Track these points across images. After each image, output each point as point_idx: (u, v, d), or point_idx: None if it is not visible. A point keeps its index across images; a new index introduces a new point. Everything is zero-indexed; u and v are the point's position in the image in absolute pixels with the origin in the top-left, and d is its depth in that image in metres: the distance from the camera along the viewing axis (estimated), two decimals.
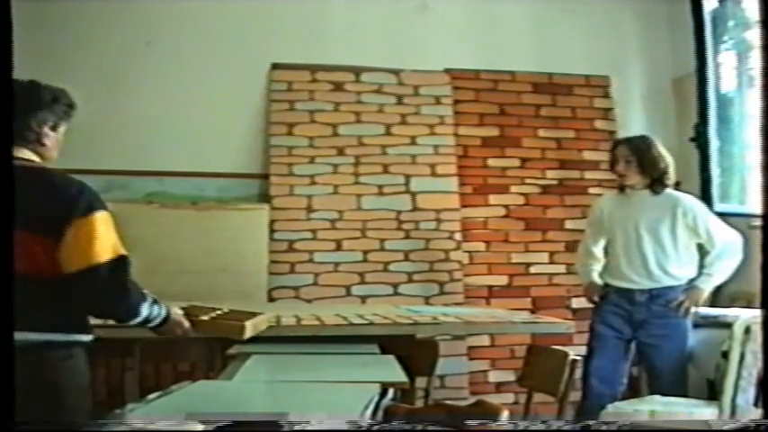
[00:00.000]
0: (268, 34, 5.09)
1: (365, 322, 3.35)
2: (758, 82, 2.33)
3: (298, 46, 5.12)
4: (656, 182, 3.85)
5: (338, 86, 5.16)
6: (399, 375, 2.53)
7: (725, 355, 3.52)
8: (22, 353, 1.87)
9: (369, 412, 1.95)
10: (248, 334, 2.52)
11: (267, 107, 5.10)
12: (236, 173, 5.05)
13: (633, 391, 4.72)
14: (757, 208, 2.35)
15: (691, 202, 3.87)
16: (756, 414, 3.11)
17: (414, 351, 3.20)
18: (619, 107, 5.40)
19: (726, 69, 4.66)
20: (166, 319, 2.35)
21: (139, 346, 3.38)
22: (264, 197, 4.99)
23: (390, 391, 2.32)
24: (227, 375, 2.61)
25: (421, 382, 3.37)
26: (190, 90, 4.97)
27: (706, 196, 4.46)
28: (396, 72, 5.21)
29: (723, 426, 1.91)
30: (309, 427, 1.70)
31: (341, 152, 5.07)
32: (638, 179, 3.85)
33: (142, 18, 4.97)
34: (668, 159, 3.89)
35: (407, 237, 5.03)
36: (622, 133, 5.34)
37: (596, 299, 4.00)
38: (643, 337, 3.82)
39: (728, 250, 3.80)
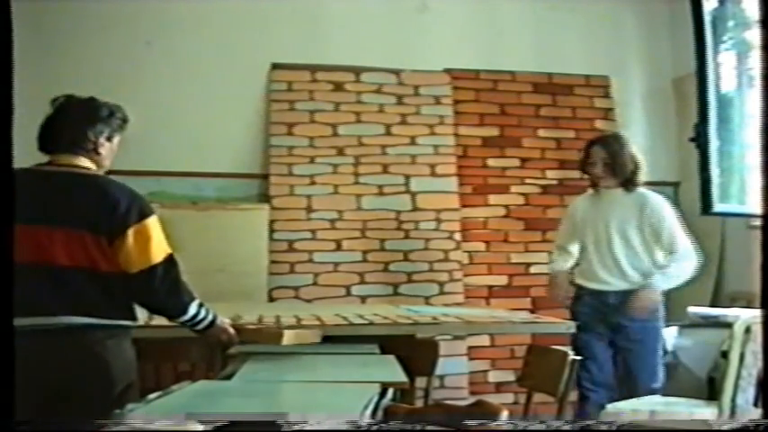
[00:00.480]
0: (268, 34, 5.10)
1: (365, 322, 3.35)
2: (758, 82, 2.33)
3: (298, 46, 5.12)
4: (628, 181, 3.79)
5: (338, 86, 5.16)
6: (399, 375, 2.53)
7: (725, 355, 3.51)
8: (73, 334, 2.28)
9: (369, 412, 1.95)
10: (286, 341, 2.69)
11: (267, 107, 5.10)
12: (235, 173, 5.06)
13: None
14: (757, 208, 2.35)
15: (658, 202, 3.80)
16: (756, 414, 3.11)
17: (414, 351, 3.20)
18: (619, 107, 5.40)
19: (726, 69, 4.65)
20: (212, 323, 2.57)
21: (140, 347, 3.37)
22: (264, 197, 4.99)
23: (390, 391, 2.31)
24: (226, 375, 2.61)
25: (421, 382, 3.37)
26: (190, 90, 4.97)
27: (706, 196, 4.45)
28: (396, 72, 5.21)
29: (723, 426, 1.91)
30: (308, 428, 1.70)
31: (341, 152, 5.07)
32: (612, 180, 3.82)
33: (142, 18, 4.97)
34: (639, 158, 3.83)
35: (407, 237, 5.03)
36: (622, 133, 5.36)
37: (561, 298, 3.97)
38: (620, 340, 3.77)
39: (688, 256, 3.72)
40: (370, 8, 5.21)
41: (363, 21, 5.18)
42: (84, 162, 2.48)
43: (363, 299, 4.88)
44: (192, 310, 2.50)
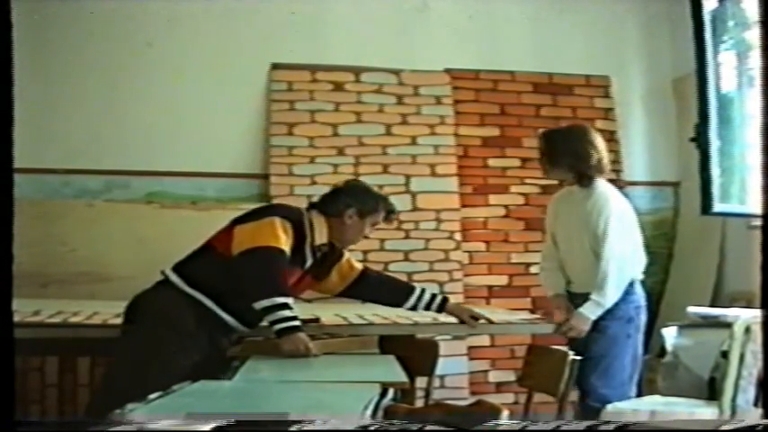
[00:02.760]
0: (268, 34, 5.09)
1: (365, 322, 3.35)
2: (758, 82, 2.33)
3: (298, 46, 5.11)
4: (583, 176, 3.39)
5: (338, 86, 5.16)
6: (399, 375, 2.54)
7: (725, 355, 3.52)
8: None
9: (369, 412, 1.95)
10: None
11: (267, 107, 5.10)
12: (236, 173, 5.06)
13: None
14: (757, 208, 2.35)
15: (605, 198, 3.39)
16: (756, 414, 3.11)
17: (414, 351, 3.20)
18: (619, 107, 5.40)
19: (726, 69, 4.65)
20: (294, 329, 2.79)
21: None
22: (264, 197, 4.99)
23: (390, 391, 2.32)
24: (227, 375, 2.61)
25: (421, 382, 3.37)
26: (190, 90, 4.97)
27: (706, 196, 4.46)
28: (396, 72, 5.21)
29: (723, 426, 1.91)
30: (314, 427, 1.70)
31: (341, 152, 5.07)
32: (561, 173, 3.46)
33: (142, 19, 4.97)
34: (601, 150, 3.41)
35: (407, 237, 5.03)
36: (622, 133, 5.37)
37: (560, 317, 3.48)
38: (583, 348, 3.34)
39: (614, 267, 3.33)
40: (370, 8, 5.21)
41: (363, 21, 5.18)
42: None
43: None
44: (266, 303, 2.81)
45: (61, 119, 4.83)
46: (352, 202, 3.05)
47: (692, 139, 4.53)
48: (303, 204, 4.93)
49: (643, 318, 3.56)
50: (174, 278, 2.96)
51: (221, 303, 2.91)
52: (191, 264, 3.01)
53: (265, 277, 2.81)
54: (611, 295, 3.34)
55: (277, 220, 2.90)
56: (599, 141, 3.45)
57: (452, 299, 4.86)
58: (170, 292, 2.92)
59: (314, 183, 5.00)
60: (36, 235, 4.37)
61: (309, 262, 3.02)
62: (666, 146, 5.44)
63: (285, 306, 2.78)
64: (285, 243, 2.85)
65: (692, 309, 4.36)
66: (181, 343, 2.77)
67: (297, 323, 2.80)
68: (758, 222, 2.19)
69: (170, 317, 2.83)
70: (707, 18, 4.45)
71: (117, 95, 4.93)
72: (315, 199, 3.32)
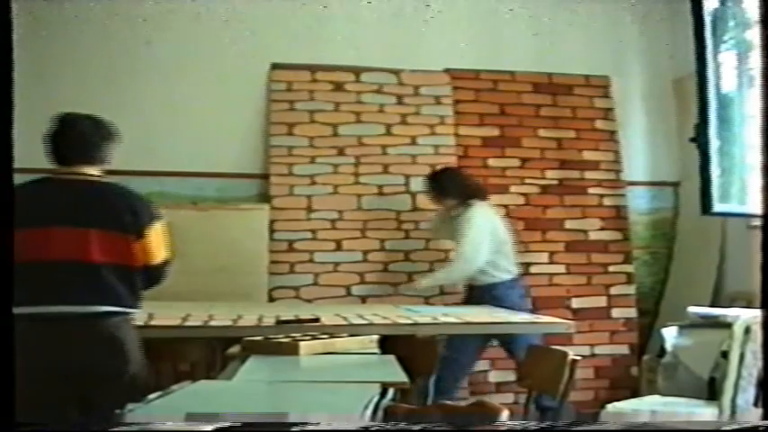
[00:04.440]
0: (268, 34, 5.09)
1: (365, 322, 3.35)
2: (758, 82, 2.33)
3: (298, 46, 5.11)
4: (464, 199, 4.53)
5: (338, 86, 5.16)
6: (399, 375, 2.53)
7: (725, 355, 3.52)
8: (101, 320, 2.68)
9: (369, 412, 1.95)
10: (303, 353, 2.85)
11: (267, 107, 5.10)
12: (236, 173, 5.06)
13: (633, 392, 4.73)
14: (757, 208, 2.35)
15: (472, 212, 4.45)
16: (756, 414, 3.11)
17: (414, 351, 3.20)
18: (619, 107, 5.40)
19: (726, 69, 4.65)
20: None
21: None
22: (264, 197, 4.99)
23: (390, 391, 2.32)
24: (227, 375, 2.61)
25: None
26: (189, 90, 4.97)
27: (706, 196, 4.46)
28: (396, 72, 5.21)
29: (723, 426, 1.91)
30: (315, 428, 1.70)
31: (341, 152, 5.07)
32: (448, 203, 4.57)
33: (142, 18, 4.96)
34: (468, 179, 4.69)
35: (407, 237, 5.03)
36: (622, 133, 5.37)
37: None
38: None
39: (459, 260, 4.41)
40: (369, 8, 5.21)
41: (363, 21, 5.18)
42: (95, 171, 2.86)
43: (364, 299, 4.88)
44: None
45: None
46: None
47: (692, 139, 4.52)
48: (303, 204, 5.01)
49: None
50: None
51: None
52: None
53: None
54: (444, 278, 4.56)
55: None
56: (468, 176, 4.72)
57: (452, 299, 4.90)
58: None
59: (314, 183, 5.01)
60: None
61: None
62: (666, 146, 5.44)
63: None
64: None
65: (692, 309, 4.37)
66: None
67: None
68: (758, 222, 2.19)
69: None
70: (707, 18, 4.45)
71: (116, 95, 4.92)
72: None
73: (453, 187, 4.56)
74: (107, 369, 2.67)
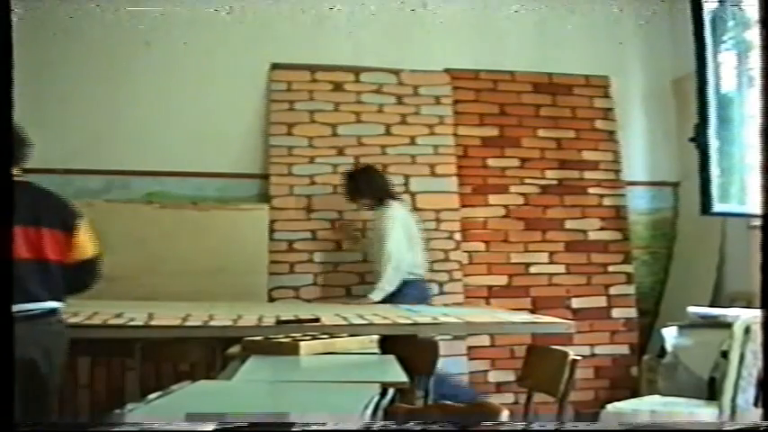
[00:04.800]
0: (268, 34, 5.09)
1: (365, 322, 3.35)
2: (758, 82, 2.33)
3: (298, 46, 5.12)
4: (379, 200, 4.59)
5: (338, 86, 5.16)
6: (399, 375, 2.53)
7: (725, 355, 3.52)
8: (51, 315, 2.82)
9: (369, 412, 1.95)
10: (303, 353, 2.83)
11: (267, 107, 5.10)
12: (236, 173, 5.06)
13: (633, 392, 4.73)
14: (757, 208, 2.35)
15: (391, 211, 4.54)
16: (756, 414, 3.11)
17: (414, 351, 3.19)
18: (619, 107, 5.40)
19: (726, 69, 4.65)
20: None
21: (139, 347, 3.38)
22: (264, 197, 4.99)
23: (390, 391, 2.31)
24: (227, 375, 2.61)
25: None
26: (190, 90, 4.97)
27: (706, 196, 4.45)
28: (396, 72, 5.21)
29: (723, 426, 1.91)
30: (315, 428, 1.70)
31: (341, 152, 5.07)
32: (364, 202, 4.66)
33: (142, 18, 4.96)
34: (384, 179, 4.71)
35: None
36: (622, 133, 5.37)
37: None
38: None
39: (389, 262, 4.44)
40: (369, 8, 5.21)
41: (363, 21, 5.18)
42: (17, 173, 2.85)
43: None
44: None
45: (61, 119, 4.83)
46: None
47: (692, 139, 4.52)
48: (303, 204, 5.01)
49: None
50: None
51: None
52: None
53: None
54: (388, 284, 4.44)
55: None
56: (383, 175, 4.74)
57: (452, 299, 4.91)
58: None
59: (314, 183, 5.01)
60: None
61: None
62: (666, 146, 5.45)
63: None
64: None
65: (692, 309, 4.37)
66: None
67: None
68: (758, 222, 2.19)
69: None
70: (707, 18, 4.44)
71: (116, 95, 4.94)
72: None
73: (370, 187, 4.62)
74: (44, 365, 2.79)
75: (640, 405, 3.67)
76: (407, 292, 4.47)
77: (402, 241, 4.49)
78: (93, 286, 3.01)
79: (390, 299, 4.39)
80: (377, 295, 4.43)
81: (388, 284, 4.45)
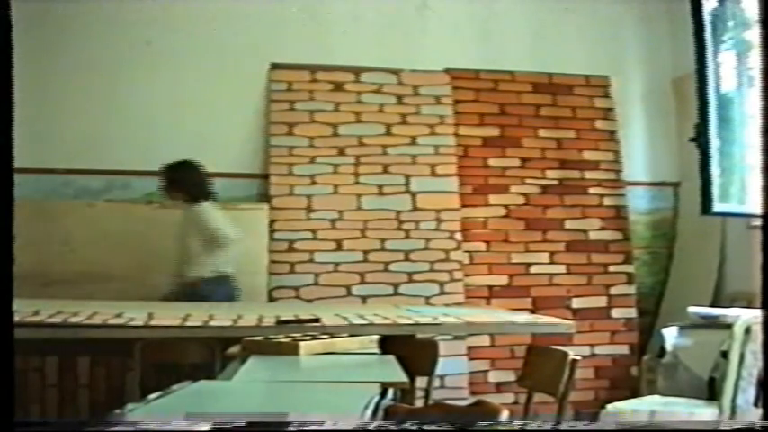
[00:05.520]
0: (268, 34, 5.10)
1: (365, 322, 3.35)
2: (758, 82, 2.33)
3: (298, 46, 5.12)
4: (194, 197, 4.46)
5: (338, 86, 5.16)
6: (399, 375, 2.53)
7: (725, 355, 3.52)
8: None
9: (369, 412, 1.95)
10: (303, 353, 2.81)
11: (267, 107, 5.10)
12: (236, 173, 5.06)
13: (633, 392, 4.73)
14: (757, 208, 2.35)
15: (204, 208, 4.45)
16: (756, 414, 3.11)
17: (414, 351, 3.20)
18: (619, 107, 5.40)
19: (726, 69, 4.65)
20: None
21: (139, 346, 3.38)
22: (264, 197, 4.99)
23: (390, 391, 2.31)
24: (227, 375, 2.61)
25: (421, 382, 3.37)
26: (190, 90, 4.97)
27: (706, 196, 4.45)
28: (396, 72, 5.21)
29: (723, 426, 1.91)
30: (315, 428, 1.70)
31: (341, 152, 5.07)
32: (178, 197, 4.49)
33: (142, 18, 4.97)
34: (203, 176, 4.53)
35: (407, 237, 5.03)
36: (622, 133, 5.37)
37: None
38: None
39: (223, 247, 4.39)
40: (369, 8, 5.21)
41: (363, 20, 5.18)
42: None
43: (364, 299, 4.88)
44: None
45: (61, 119, 4.84)
46: None
47: (692, 139, 4.52)
48: (303, 204, 5.01)
49: None
50: None
51: None
52: None
53: None
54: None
55: None
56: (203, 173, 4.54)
57: (453, 299, 4.91)
58: None
59: (314, 183, 5.01)
60: (36, 235, 4.37)
61: None
62: (666, 146, 5.45)
63: None
64: None
65: (692, 309, 4.37)
66: None
67: None
68: (758, 222, 2.19)
69: None
70: (707, 18, 4.44)
71: (117, 95, 4.94)
72: None
73: (188, 182, 4.47)
74: None
75: (640, 405, 3.66)
76: (215, 289, 4.34)
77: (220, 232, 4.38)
78: None
79: (196, 297, 4.25)
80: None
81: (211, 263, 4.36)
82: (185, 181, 4.48)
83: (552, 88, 5.36)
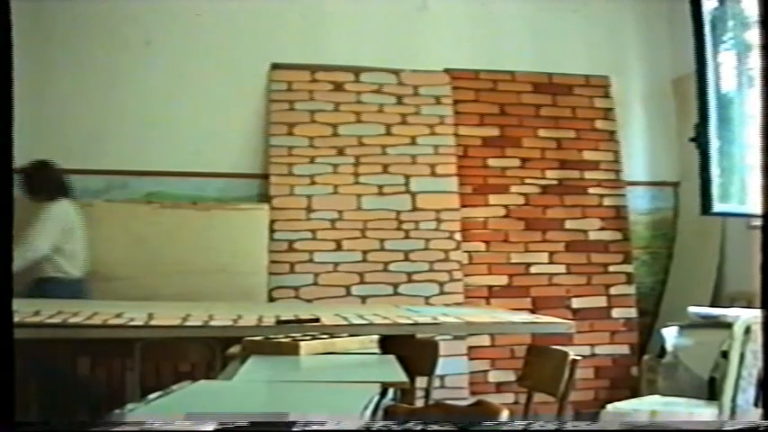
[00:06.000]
0: (268, 34, 5.10)
1: (365, 322, 3.35)
2: (758, 82, 2.33)
3: (298, 46, 5.12)
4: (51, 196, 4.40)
5: (338, 86, 5.16)
6: (399, 375, 2.53)
7: (725, 355, 3.52)
8: None
9: (369, 412, 1.95)
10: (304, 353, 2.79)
11: (267, 107, 5.10)
12: (236, 173, 5.06)
13: (633, 392, 4.73)
14: (757, 208, 2.35)
15: (53, 208, 4.37)
16: (756, 414, 3.11)
17: (414, 351, 3.20)
18: (619, 107, 5.40)
19: (726, 69, 4.65)
20: None
21: (139, 346, 3.38)
22: (264, 197, 4.99)
23: (390, 391, 2.31)
24: (227, 375, 2.61)
25: (421, 382, 3.37)
26: (189, 90, 4.97)
27: (706, 196, 4.45)
28: (396, 72, 5.21)
29: (723, 426, 1.91)
30: (314, 428, 1.70)
31: (341, 152, 5.07)
32: (38, 197, 4.37)
33: (142, 18, 4.97)
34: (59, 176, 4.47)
35: (407, 237, 5.03)
36: (622, 133, 5.37)
37: None
38: None
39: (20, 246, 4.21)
40: (370, 8, 5.21)
41: (363, 21, 5.18)
42: None
43: (364, 299, 4.88)
44: None
45: (61, 118, 4.83)
46: None
47: (692, 139, 4.53)
48: (303, 204, 5.01)
49: None
50: None
51: None
52: None
53: None
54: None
55: None
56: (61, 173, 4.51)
57: (452, 299, 4.91)
58: None
59: (314, 183, 5.01)
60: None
61: None
62: (666, 146, 5.45)
63: None
64: None
65: (692, 309, 4.37)
66: None
67: None
68: (758, 222, 2.19)
69: None
70: (707, 18, 4.44)
71: (116, 95, 4.94)
72: None
73: (45, 183, 4.43)
74: None
75: (640, 405, 3.66)
76: (57, 291, 4.25)
77: (50, 235, 4.30)
78: None
79: (38, 294, 4.17)
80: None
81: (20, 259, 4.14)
82: (46, 182, 4.44)
83: (552, 88, 5.36)
